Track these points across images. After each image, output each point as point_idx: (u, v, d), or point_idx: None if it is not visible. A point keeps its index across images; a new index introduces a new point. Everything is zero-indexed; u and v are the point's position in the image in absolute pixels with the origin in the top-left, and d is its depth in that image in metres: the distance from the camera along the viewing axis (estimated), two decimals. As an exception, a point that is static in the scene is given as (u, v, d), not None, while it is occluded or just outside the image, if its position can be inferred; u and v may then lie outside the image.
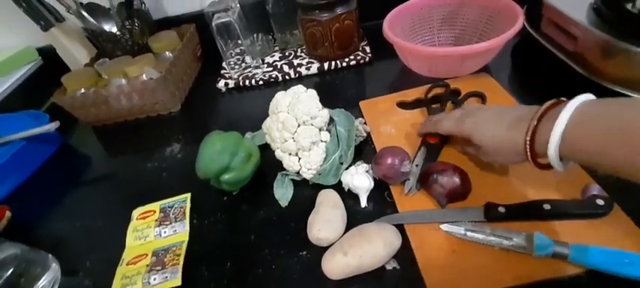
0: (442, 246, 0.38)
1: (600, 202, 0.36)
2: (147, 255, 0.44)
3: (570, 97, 0.32)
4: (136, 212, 0.50)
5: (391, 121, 0.54)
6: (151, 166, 0.60)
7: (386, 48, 0.62)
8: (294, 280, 0.39)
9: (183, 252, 0.44)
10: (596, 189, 0.38)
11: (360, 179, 0.44)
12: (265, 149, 0.52)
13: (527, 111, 0.34)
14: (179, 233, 0.47)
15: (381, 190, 0.45)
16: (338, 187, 0.46)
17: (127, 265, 0.44)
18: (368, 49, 0.72)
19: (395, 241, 0.37)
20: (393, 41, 0.57)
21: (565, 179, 0.40)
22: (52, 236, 0.53)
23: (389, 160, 0.42)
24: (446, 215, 0.40)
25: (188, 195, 0.51)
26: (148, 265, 0.43)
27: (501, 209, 0.38)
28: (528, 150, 0.33)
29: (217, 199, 0.50)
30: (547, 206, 0.37)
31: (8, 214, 0.55)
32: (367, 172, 0.45)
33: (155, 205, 0.51)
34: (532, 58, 0.62)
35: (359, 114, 0.57)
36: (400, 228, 0.40)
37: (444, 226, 0.39)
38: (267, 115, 0.53)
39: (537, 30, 0.58)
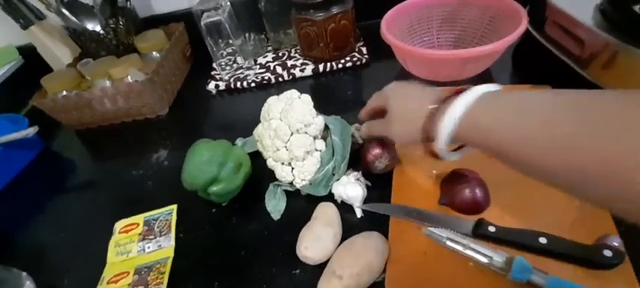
0: (419, 246, 0.37)
1: (608, 252, 0.31)
2: (129, 273, 0.41)
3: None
4: (119, 225, 0.47)
5: None
6: (136, 173, 0.57)
7: (383, 49, 0.60)
8: (288, 303, 0.37)
9: (167, 270, 0.41)
10: (614, 240, 0.32)
11: (353, 189, 0.42)
12: (257, 157, 0.49)
13: (439, 92, 0.34)
14: (164, 248, 0.44)
15: (373, 198, 0.43)
16: (330, 198, 0.44)
17: (108, 283, 0.41)
18: (364, 49, 0.69)
19: (385, 247, 0.36)
20: (392, 43, 0.54)
21: (582, 221, 0.36)
22: (29, 249, 0.50)
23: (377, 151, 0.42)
24: (434, 219, 0.38)
25: (174, 207, 0.48)
26: (129, 285, 0.40)
27: (491, 229, 0.35)
28: (423, 123, 0.32)
29: (205, 210, 0.47)
30: (543, 240, 0.33)
31: (-18, 226, 0.52)
32: (358, 180, 0.43)
33: (139, 218, 0.47)
34: (535, 62, 0.59)
35: (355, 118, 0.54)
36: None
37: (426, 230, 0.36)
38: (260, 119, 0.50)
39: (541, 32, 0.55)
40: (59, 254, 0.48)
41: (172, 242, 0.44)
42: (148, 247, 0.44)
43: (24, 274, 0.43)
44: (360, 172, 0.45)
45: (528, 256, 0.33)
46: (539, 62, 0.58)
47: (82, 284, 0.43)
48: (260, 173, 0.49)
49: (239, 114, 0.65)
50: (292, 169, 0.44)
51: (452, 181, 0.40)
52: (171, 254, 0.43)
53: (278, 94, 0.47)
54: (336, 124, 0.45)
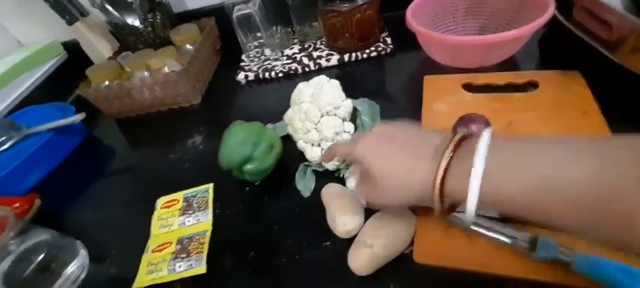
0: (444, 221, 0.38)
1: None
2: (171, 243, 0.45)
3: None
4: (160, 201, 0.51)
5: (447, 101, 0.54)
6: (174, 157, 0.61)
7: (407, 39, 0.61)
8: (319, 270, 0.39)
9: (207, 240, 0.44)
10: None
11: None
12: (287, 140, 0.52)
13: (435, 139, 0.28)
14: (202, 222, 0.47)
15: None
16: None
17: (152, 252, 0.44)
18: (389, 40, 0.71)
19: (412, 220, 0.37)
20: (417, 30, 0.55)
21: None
22: (78, 224, 0.54)
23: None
24: None
25: (211, 185, 0.51)
26: (173, 253, 0.43)
27: None
28: (437, 192, 0.27)
29: (239, 189, 0.50)
30: None
31: (38, 201, 0.56)
32: None
33: (179, 195, 0.51)
34: (562, 48, 0.59)
35: (382, 104, 0.56)
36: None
37: (450, 216, 0.36)
38: (287, 107, 0.53)
39: (569, 18, 0.55)
40: (105, 228, 0.53)
41: (210, 217, 0.47)
42: (188, 221, 0.47)
43: (78, 242, 0.47)
44: None
45: (555, 235, 0.33)
46: (566, 48, 0.58)
47: (128, 253, 0.47)
48: (290, 155, 0.51)
49: (267, 102, 0.68)
50: (322, 149, 0.47)
51: None
52: (210, 228, 0.46)
53: (305, 83, 0.49)
54: (364, 106, 0.47)
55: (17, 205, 0.54)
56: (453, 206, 0.30)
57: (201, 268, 0.41)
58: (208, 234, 0.45)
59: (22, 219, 0.46)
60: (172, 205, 0.50)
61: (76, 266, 0.45)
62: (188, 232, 0.46)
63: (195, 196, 0.50)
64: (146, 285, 0.41)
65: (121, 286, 0.44)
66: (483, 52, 0.53)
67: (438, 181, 0.27)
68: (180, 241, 0.45)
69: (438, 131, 0.31)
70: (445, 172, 0.27)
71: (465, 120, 0.44)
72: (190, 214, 0.48)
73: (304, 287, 0.38)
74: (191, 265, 0.42)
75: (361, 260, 0.35)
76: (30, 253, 0.42)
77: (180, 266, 0.42)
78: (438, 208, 0.28)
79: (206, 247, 0.43)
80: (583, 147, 0.24)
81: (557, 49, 0.60)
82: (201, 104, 0.73)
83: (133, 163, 0.65)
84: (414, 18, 0.57)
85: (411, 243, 0.37)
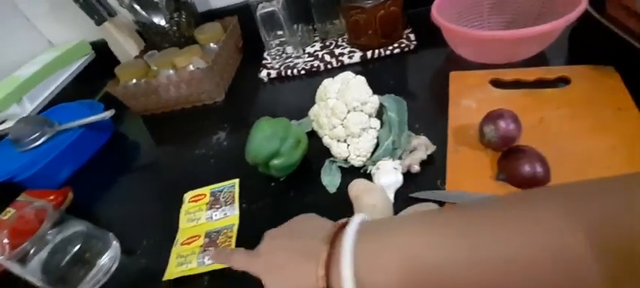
0: None
1: None
2: (200, 236, 0.46)
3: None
4: (188, 195, 0.52)
5: (475, 97, 0.53)
6: (199, 153, 0.62)
7: (431, 35, 0.61)
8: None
9: (234, 234, 0.45)
10: None
11: (386, 177, 0.43)
12: (311, 137, 0.52)
13: (316, 243, 0.27)
14: (229, 217, 0.48)
15: (409, 187, 0.44)
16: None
17: (182, 245, 0.45)
18: (412, 36, 0.70)
19: None
20: (443, 25, 0.55)
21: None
22: (108, 217, 0.56)
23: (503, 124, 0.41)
24: None
25: (237, 180, 0.52)
26: (201, 246, 0.44)
27: None
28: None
29: (265, 185, 0.51)
30: None
31: (70, 195, 0.59)
32: (395, 169, 0.44)
33: (205, 190, 0.52)
34: (594, 43, 0.57)
35: (406, 101, 0.55)
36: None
37: None
38: (310, 104, 0.53)
39: (602, 12, 0.54)
40: (135, 222, 0.54)
41: (237, 211, 0.48)
42: (215, 215, 0.48)
43: (111, 234, 0.48)
44: (400, 160, 0.45)
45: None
46: (598, 42, 0.56)
47: (159, 245, 0.48)
48: (314, 151, 0.51)
49: (289, 99, 0.69)
50: (348, 146, 0.47)
51: (510, 156, 0.40)
52: (237, 222, 0.47)
53: (327, 80, 0.49)
54: (391, 102, 0.47)
55: (52, 197, 0.56)
56: None
57: (229, 261, 0.42)
58: (235, 228, 0.46)
59: (59, 210, 0.48)
60: (199, 199, 0.51)
61: (109, 257, 0.47)
62: (215, 226, 0.47)
63: (221, 191, 0.51)
64: (176, 276, 0.42)
65: (151, 278, 0.45)
66: (512, 48, 0.52)
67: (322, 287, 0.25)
68: (208, 235, 0.46)
69: (323, 220, 0.31)
70: (326, 278, 0.25)
71: (492, 116, 0.43)
72: (217, 208, 0.49)
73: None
74: (220, 258, 0.42)
75: None
76: (66, 243, 0.43)
77: (208, 259, 0.42)
78: None
79: (234, 240, 0.44)
80: (451, 226, 0.23)
81: (589, 43, 0.58)
82: (225, 102, 0.74)
83: (158, 158, 0.67)
84: (439, 14, 0.57)
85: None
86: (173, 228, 0.50)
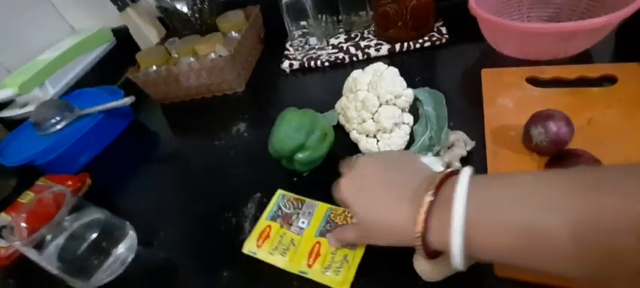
0: None
1: None
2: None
3: None
4: (250, 244, 0.41)
5: (513, 96, 0.49)
6: (219, 143, 0.60)
7: (464, 29, 0.57)
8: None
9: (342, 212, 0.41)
10: None
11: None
12: (336, 131, 0.49)
13: (417, 177, 0.26)
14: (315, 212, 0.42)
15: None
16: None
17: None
18: (444, 29, 0.66)
19: None
20: (482, 17, 0.51)
21: None
22: (125, 207, 0.55)
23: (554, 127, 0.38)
24: None
25: (279, 192, 0.46)
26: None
27: None
28: (420, 243, 0.26)
29: (287, 180, 0.49)
30: None
31: (88, 181, 0.58)
32: (434, 166, 0.41)
33: (264, 224, 0.42)
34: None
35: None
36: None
37: None
38: (333, 97, 0.50)
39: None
40: (153, 212, 0.52)
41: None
42: (302, 223, 0.42)
43: (128, 223, 0.47)
44: (437, 157, 0.43)
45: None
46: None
47: (176, 239, 0.46)
48: (339, 148, 0.49)
49: (312, 91, 0.66)
50: (377, 141, 0.44)
51: (563, 162, 0.36)
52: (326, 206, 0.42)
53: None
54: (426, 95, 0.44)
55: (70, 183, 0.55)
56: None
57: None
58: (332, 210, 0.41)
59: (77, 196, 0.47)
60: (269, 233, 0.41)
61: (126, 247, 0.45)
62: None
63: (279, 209, 0.43)
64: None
65: (167, 271, 0.43)
66: (560, 43, 0.48)
67: (419, 232, 0.25)
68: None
69: (424, 163, 0.29)
70: (426, 222, 0.25)
71: (540, 117, 0.39)
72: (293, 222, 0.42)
73: None
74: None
75: (430, 263, 0.32)
76: (84, 230, 0.42)
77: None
78: (423, 256, 0.27)
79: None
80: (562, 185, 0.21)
81: (638, 38, 0.54)
82: (245, 92, 0.72)
83: (178, 148, 0.65)
84: (477, 5, 0.53)
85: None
86: (191, 221, 0.48)
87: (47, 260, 0.40)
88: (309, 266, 0.36)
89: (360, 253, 0.36)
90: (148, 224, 0.49)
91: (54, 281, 0.41)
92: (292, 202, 0.43)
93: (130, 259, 0.45)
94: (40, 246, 0.39)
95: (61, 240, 0.41)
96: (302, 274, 0.36)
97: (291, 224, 0.41)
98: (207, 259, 0.43)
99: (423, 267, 0.33)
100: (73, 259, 0.41)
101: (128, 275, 0.44)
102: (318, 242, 0.38)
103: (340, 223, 0.39)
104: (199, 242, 0.45)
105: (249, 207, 0.47)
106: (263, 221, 0.42)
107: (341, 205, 0.36)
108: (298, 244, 0.39)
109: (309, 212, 0.42)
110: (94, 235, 0.42)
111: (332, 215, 0.40)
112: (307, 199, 0.43)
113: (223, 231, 0.45)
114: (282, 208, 0.43)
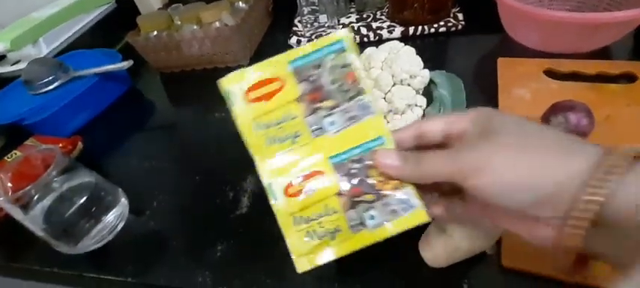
0: None
1: None
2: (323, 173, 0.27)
3: None
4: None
5: (529, 87, 0.48)
6: (219, 116, 0.58)
7: (481, 17, 0.55)
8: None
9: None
10: None
11: None
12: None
13: (580, 144, 0.20)
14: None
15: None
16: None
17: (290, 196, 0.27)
18: (460, 16, 0.64)
19: None
20: (506, 4, 0.49)
21: None
22: (118, 174, 0.52)
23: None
24: None
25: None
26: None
27: None
28: (587, 207, 0.19)
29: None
30: None
31: (80, 144, 0.55)
32: None
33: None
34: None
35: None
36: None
37: None
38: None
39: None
40: (146, 181, 0.50)
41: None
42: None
43: (120, 189, 0.45)
44: None
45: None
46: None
47: (169, 208, 0.44)
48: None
49: (320, 71, 0.64)
50: (387, 122, 0.42)
51: None
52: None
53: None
54: (443, 78, 0.42)
55: (61, 145, 0.53)
56: (584, 258, 0.21)
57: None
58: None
59: (69, 157, 0.44)
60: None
61: (115, 215, 0.43)
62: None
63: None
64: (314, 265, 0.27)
65: (157, 242, 0.41)
66: (583, 36, 0.46)
67: (600, 192, 0.18)
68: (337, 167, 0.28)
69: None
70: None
71: (561, 108, 0.37)
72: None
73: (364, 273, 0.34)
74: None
75: (436, 249, 0.31)
76: (73, 193, 0.40)
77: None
78: (569, 237, 0.20)
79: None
80: None
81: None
82: (250, 65, 0.69)
83: (175, 118, 0.63)
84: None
85: (497, 242, 0.32)
86: (187, 192, 0.46)
87: (32, 221, 0.37)
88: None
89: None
90: (140, 192, 0.47)
91: (39, 244, 0.39)
92: None
93: (120, 227, 0.43)
94: (26, 206, 0.37)
95: (48, 201, 0.38)
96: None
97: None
98: (201, 232, 0.41)
99: (431, 252, 0.31)
100: (60, 221, 0.39)
101: (117, 243, 0.42)
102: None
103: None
104: (194, 215, 0.43)
105: (248, 182, 0.45)
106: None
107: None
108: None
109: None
110: (84, 199, 0.39)
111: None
112: None
113: (219, 204, 0.43)
114: None
